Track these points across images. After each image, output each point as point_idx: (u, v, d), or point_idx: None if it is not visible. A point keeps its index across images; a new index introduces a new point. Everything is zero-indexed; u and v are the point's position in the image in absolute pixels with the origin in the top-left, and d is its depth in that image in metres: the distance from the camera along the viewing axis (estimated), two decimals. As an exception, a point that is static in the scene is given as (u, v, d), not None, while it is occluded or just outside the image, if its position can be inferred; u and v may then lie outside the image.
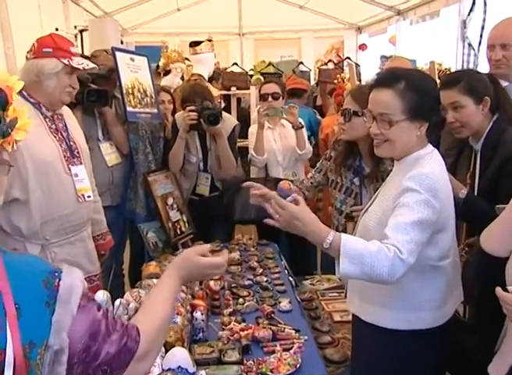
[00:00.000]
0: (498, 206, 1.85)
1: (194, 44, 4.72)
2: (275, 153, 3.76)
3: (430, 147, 1.86)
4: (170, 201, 3.34)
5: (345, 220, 2.59)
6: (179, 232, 3.31)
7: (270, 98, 3.70)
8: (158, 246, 3.26)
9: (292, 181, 3.53)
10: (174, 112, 3.74)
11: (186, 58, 5.56)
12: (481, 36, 4.81)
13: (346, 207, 2.67)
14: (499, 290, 1.43)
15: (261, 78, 5.37)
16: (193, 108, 3.33)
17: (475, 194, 2.28)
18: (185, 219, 3.39)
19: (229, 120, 3.59)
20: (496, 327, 1.69)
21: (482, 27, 4.58)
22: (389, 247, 1.62)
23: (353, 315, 2.02)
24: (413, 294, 1.82)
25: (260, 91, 3.84)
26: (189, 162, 3.51)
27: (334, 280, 3.23)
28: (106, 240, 2.74)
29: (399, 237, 1.64)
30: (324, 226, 1.65)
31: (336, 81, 5.22)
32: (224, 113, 3.45)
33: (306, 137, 3.78)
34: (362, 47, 9.01)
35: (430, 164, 1.78)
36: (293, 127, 3.65)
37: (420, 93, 1.77)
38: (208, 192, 3.53)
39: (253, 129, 3.79)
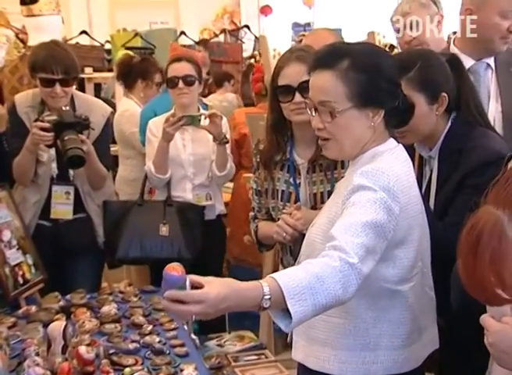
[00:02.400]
0: None
1: (29, 1, 4.70)
2: (182, 164, 3.89)
3: (392, 142, 2.07)
4: (6, 236, 3.34)
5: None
6: (21, 281, 3.32)
7: (181, 84, 3.80)
8: (-12, 304, 3.25)
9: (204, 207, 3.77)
10: (1, 100, 3.77)
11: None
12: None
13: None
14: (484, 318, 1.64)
15: (132, 55, 5.49)
16: (43, 125, 3.34)
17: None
18: (30, 262, 3.40)
19: (99, 109, 3.68)
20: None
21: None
22: (332, 254, 1.79)
23: (299, 367, 2.22)
24: (366, 327, 2.03)
25: (165, 72, 3.94)
26: (39, 162, 3.55)
27: (249, 337, 3.41)
28: None
29: (348, 238, 1.82)
30: (251, 283, 1.73)
31: (238, 61, 5.49)
32: (91, 99, 3.54)
33: (229, 154, 3.93)
34: (265, 10, 9.38)
35: (388, 159, 2.00)
36: (214, 140, 3.77)
37: (369, 72, 1.98)
38: (72, 214, 3.59)
39: (154, 127, 3.89)
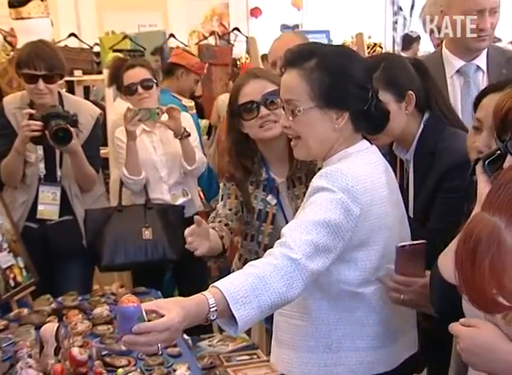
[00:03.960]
0: None
1: (18, 4, 4.70)
2: (156, 166, 3.92)
3: (363, 144, 2.10)
4: (-3, 238, 3.36)
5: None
6: (12, 284, 3.33)
7: (140, 89, 3.82)
8: (-22, 308, 3.25)
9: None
10: None
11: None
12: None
13: (263, 237, 2.85)
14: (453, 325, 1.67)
15: (122, 57, 5.49)
16: (32, 111, 3.41)
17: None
18: (21, 265, 3.41)
19: (89, 110, 3.71)
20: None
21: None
22: (274, 251, 1.82)
23: None
24: (328, 328, 2.05)
25: (121, 81, 3.93)
26: (26, 162, 3.58)
27: (241, 338, 3.41)
28: None
29: (296, 235, 1.84)
30: (196, 298, 1.72)
31: (227, 64, 5.51)
32: (80, 100, 3.55)
33: (197, 146, 3.94)
34: (255, 12, 9.42)
35: (353, 161, 2.02)
36: (175, 136, 3.78)
37: (334, 73, 2.01)
38: (58, 215, 3.61)
39: (120, 135, 3.90)
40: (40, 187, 3.61)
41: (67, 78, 5.33)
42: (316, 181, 1.97)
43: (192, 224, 3.88)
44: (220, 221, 2.76)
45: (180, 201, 3.96)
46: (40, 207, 3.62)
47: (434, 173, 2.47)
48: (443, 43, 3.35)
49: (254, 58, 4.76)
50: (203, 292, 1.73)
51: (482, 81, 3.25)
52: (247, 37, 6.99)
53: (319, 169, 2.62)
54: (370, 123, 2.11)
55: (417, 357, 2.28)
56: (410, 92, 2.46)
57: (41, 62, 3.46)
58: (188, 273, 3.93)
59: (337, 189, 1.92)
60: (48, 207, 3.62)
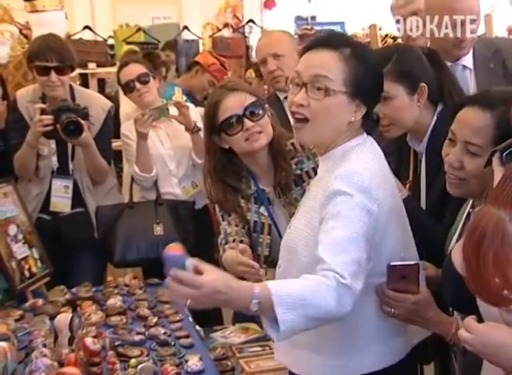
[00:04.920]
0: None
1: (32, -3, 4.74)
2: (164, 161, 3.93)
3: (362, 137, 2.09)
4: (12, 230, 3.39)
5: (265, 267, 2.70)
6: (27, 275, 3.37)
7: (138, 85, 3.82)
8: (-5, 298, 3.29)
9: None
10: (5, 96, 3.81)
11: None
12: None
13: (262, 249, 2.81)
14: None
15: (136, 49, 5.51)
16: (43, 106, 3.44)
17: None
18: (36, 256, 3.45)
19: (99, 103, 3.72)
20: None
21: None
22: (328, 274, 1.83)
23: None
24: (351, 329, 2.02)
25: (118, 80, 3.95)
26: (38, 155, 3.62)
27: (253, 329, 3.43)
28: None
29: (336, 259, 1.85)
30: (244, 284, 1.80)
31: (241, 56, 5.51)
32: (91, 93, 3.58)
33: None
34: (269, 4, 9.40)
35: (359, 157, 2.02)
36: (186, 130, 3.80)
37: (366, 65, 2.02)
38: (70, 207, 3.65)
39: (126, 131, 3.92)
40: (52, 180, 3.65)
41: (81, 71, 5.39)
42: (333, 184, 1.95)
43: (202, 216, 3.94)
44: (234, 240, 2.71)
45: (191, 194, 3.98)
46: (53, 199, 3.66)
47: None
48: (427, 43, 3.29)
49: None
50: (254, 283, 1.81)
51: (470, 80, 3.22)
52: (262, 29, 6.99)
53: (306, 172, 2.69)
54: (370, 123, 2.14)
55: (426, 346, 2.30)
56: (423, 84, 2.46)
57: (52, 54, 3.49)
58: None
59: (355, 191, 1.92)
60: (61, 200, 3.66)
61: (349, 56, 2.00)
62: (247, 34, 6.98)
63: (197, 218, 3.95)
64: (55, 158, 3.66)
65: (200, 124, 3.80)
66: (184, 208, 3.91)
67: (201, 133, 3.76)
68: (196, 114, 3.94)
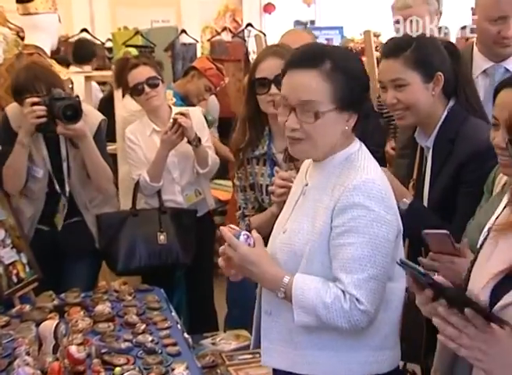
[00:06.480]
0: None
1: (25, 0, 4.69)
2: (168, 168, 3.85)
3: (357, 142, 2.09)
4: (0, 234, 3.35)
5: None
6: (15, 280, 3.32)
7: (147, 88, 3.75)
8: (-20, 303, 3.24)
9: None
10: None
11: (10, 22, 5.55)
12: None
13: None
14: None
15: (132, 53, 5.47)
16: (37, 99, 3.32)
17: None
18: (24, 261, 3.41)
19: (91, 115, 3.64)
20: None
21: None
22: (346, 294, 1.91)
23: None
24: (369, 330, 2.00)
25: (125, 82, 3.86)
26: (33, 178, 3.53)
27: (244, 336, 3.40)
28: None
29: (354, 277, 1.90)
30: (280, 271, 2.01)
31: (240, 59, 5.48)
32: (84, 105, 3.50)
33: (209, 145, 3.89)
34: (268, 8, 9.39)
35: (368, 164, 2.01)
36: (189, 143, 3.72)
37: (349, 76, 1.99)
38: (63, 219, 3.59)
39: (131, 134, 3.88)
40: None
41: (79, 74, 5.35)
42: (351, 196, 1.93)
43: (204, 223, 3.92)
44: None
45: (193, 201, 3.93)
46: (56, 216, 3.61)
47: (452, 161, 2.46)
48: (474, 39, 3.27)
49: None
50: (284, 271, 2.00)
51: None
52: (261, 33, 6.97)
53: None
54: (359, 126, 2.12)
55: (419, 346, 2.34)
56: (439, 73, 2.46)
57: (42, 85, 3.38)
58: (196, 272, 3.93)
59: (374, 203, 1.93)
60: (60, 216, 3.60)
61: (330, 71, 1.98)
62: (246, 38, 6.95)
63: (199, 225, 3.90)
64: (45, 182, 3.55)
65: (201, 128, 3.82)
66: (187, 216, 3.88)
67: (202, 141, 3.74)
68: (197, 117, 3.91)
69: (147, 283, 3.63)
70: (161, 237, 3.75)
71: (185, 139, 3.71)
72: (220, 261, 2.09)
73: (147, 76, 3.77)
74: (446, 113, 2.52)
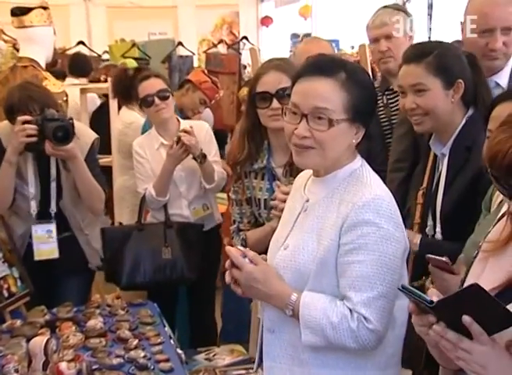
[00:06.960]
0: None
1: (20, 13, 4.66)
2: (175, 182, 3.82)
3: (360, 158, 2.07)
4: (-9, 248, 3.32)
5: None
6: (6, 295, 3.28)
7: (157, 100, 3.73)
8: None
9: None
10: None
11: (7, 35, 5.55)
12: (430, 7, 5.24)
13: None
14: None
15: (135, 64, 5.44)
16: (29, 118, 3.27)
17: (437, 218, 2.51)
18: (16, 275, 3.37)
19: (85, 133, 3.58)
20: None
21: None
22: (353, 313, 1.89)
23: None
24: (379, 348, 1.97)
25: (136, 94, 3.85)
26: (22, 196, 3.47)
27: (239, 351, 3.38)
28: None
29: (363, 295, 1.88)
30: (287, 288, 1.98)
31: (234, 72, 5.47)
32: (76, 123, 3.45)
33: (216, 160, 3.87)
34: (265, 21, 9.39)
35: (374, 181, 2.00)
36: (194, 159, 3.69)
37: (362, 87, 1.99)
38: (58, 252, 3.48)
39: (139, 148, 3.87)
40: (33, 227, 3.47)
41: (74, 85, 5.33)
42: (361, 213, 1.91)
43: (210, 238, 3.90)
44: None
45: (200, 216, 3.90)
46: (36, 248, 3.46)
47: (468, 169, 2.45)
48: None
49: (254, 69, 4.69)
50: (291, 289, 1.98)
51: None
52: (253, 49, 6.96)
53: None
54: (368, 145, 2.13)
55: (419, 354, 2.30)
56: (460, 80, 2.47)
57: (35, 104, 3.33)
58: (201, 286, 3.92)
59: (383, 220, 1.92)
60: (45, 246, 3.47)
61: (345, 81, 1.97)
62: (241, 51, 6.94)
63: (206, 239, 3.87)
64: (33, 204, 3.47)
65: (208, 142, 3.84)
66: (193, 231, 3.85)
67: (208, 156, 3.73)
68: (205, 131, 3.91)
69: (152, 297, 3.62)
70: (166, 252, 3.72)
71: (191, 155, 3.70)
72: (227, 277, 2.04)
73: (158, 88, 3.76)
74: (464, 121, 2.53)
